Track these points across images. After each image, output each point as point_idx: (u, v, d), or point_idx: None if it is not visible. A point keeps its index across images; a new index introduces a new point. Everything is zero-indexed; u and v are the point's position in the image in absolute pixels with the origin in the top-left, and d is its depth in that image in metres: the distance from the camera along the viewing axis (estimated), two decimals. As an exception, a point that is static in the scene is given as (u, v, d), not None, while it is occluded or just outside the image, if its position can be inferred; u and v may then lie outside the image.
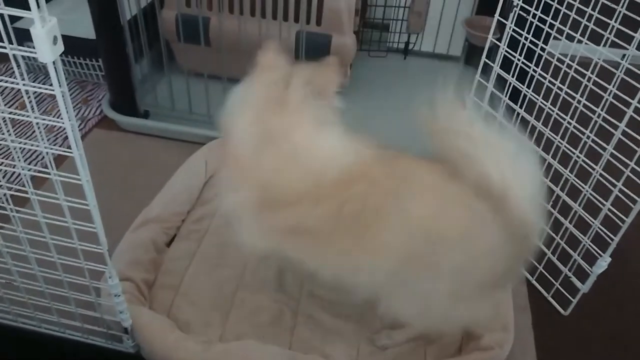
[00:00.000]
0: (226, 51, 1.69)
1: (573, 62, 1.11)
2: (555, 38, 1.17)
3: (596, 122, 1.08)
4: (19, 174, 0.81)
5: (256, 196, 0.93)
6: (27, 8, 0.59)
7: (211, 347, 1.06)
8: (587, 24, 1.07)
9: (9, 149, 0.78)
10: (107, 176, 1.58)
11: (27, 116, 0.72)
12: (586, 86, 1.09)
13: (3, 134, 0.76)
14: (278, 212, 0.93)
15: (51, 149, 0.75)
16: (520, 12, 1.20)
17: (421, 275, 0.91)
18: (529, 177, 0.84)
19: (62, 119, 0.68)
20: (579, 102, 1.11)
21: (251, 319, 1.16)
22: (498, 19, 1.25)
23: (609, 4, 1.04)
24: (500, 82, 1.30)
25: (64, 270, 0.92)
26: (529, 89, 1.23)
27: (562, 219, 1.20)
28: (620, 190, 1.04)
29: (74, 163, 0.73)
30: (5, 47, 0.66)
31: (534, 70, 1.22)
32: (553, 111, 1.16)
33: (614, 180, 1.06)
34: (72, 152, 0.72)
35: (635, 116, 0.98)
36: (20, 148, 0.78)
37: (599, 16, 1.05)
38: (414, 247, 0.88)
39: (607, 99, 1.06)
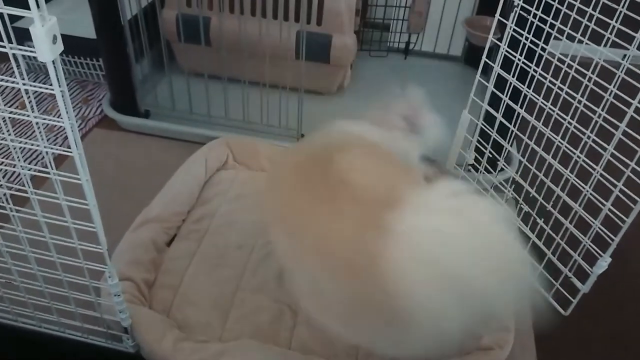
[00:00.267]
0: (226, 51, 1.69)
1: (574, 62, 1.11)
2: (555, 38, 1.17)
3: (597, 122, 1.08)
4: (19, 174, 0.81)
5: None
6: (28, 7, 0.59)
7: (211, 347, 1.06)
8: (588, 23, 1.07)
9: (9, 148, 0.78)
10: (107, 176, 1.58)
11: (27, 115, 0.72)
12: (587, 86, 1.09)
13: (3, 133, 0.76)
14: None
15: (51, 148, 0.75)
16: (521, 12, 1.20)
17: None
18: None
19: (61, 118, 0.68)
20: (579, 102, 1.11)
21: (251, 319, 1.16)
22: (499, 19, 1.25)
23: (609, 3, 1.04)
24: (501, 82, 1.30)
25: (64, 269, 0.92)
26: (530, 89, 1.23)
27: (562, 219, 1.20)
28: (621, 191, 1.04)
29: (74, 163, 0.73)
30: (4, 47, 0.66)
31: (534, 70, 1.22)
32: (553, 111, 1.16)
33: (614, 181, 1.05)
34: (71, 151, 0.72)
35: (636, 116, 0.98)
36: (20, 148, 0.78)
37: (599, 16, 1.04)
38: None
39: (607, 99, 1.06)
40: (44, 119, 0.73)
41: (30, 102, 0.71)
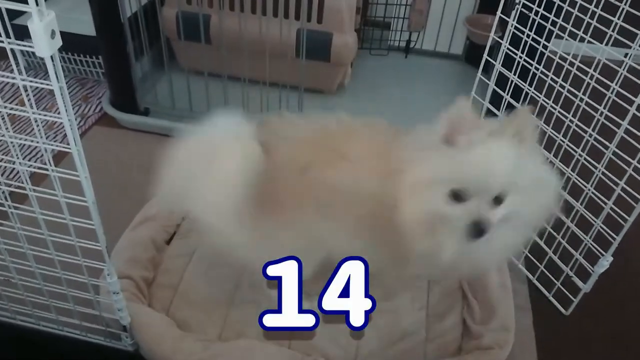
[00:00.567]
0: (226, 49, 1.69)
1: (576, 60, 1.10)
2: (557, 36, 1.16)
3: (599, 120, 1.07)
4: (18, 171, 0.80)
5: None
6: (27, 4, 0.58)
7: (210, 346, 1.05)
8: (590, 21, 1.06)
9: (8, 145, 0.78)
10: (106, 173, 1.57)
11: (25, 112, 0.71)
12: (589, 84, 1.09)
13: (1, 130, 0.76)
14: None
15: (49, 144, 0.75)
16: (523, 9, 1.20)
17: None
18: None
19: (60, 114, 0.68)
20: (581, 100, 1.10)
21: (250, 318, 1.16)
22: (500, 17, 1.24)
23: (612, 1, 1.03)
24: (502, 80, 1.30)
25: (63, 267, 0.91)
26: (531, 87, 1.23)
27: (563, 217, 1.19)
28: (623, 189, 1.04)
29: (73, 160, 0.72)
30: (2, 42, 0.65)
31: (535, 68, 1.21)
32: (555, 109, 1.15)
33: (616, 179, 1.05)
34: (70, 148, 0.71)
35: (638, 114, 0.97)
36: (19, 145, 0.78)
37: (602, 13, 1.04)
38: None
39: (609, 97, 1.05)
40: (42, 114, 0.72)
41: (29, 98, 0.71)
